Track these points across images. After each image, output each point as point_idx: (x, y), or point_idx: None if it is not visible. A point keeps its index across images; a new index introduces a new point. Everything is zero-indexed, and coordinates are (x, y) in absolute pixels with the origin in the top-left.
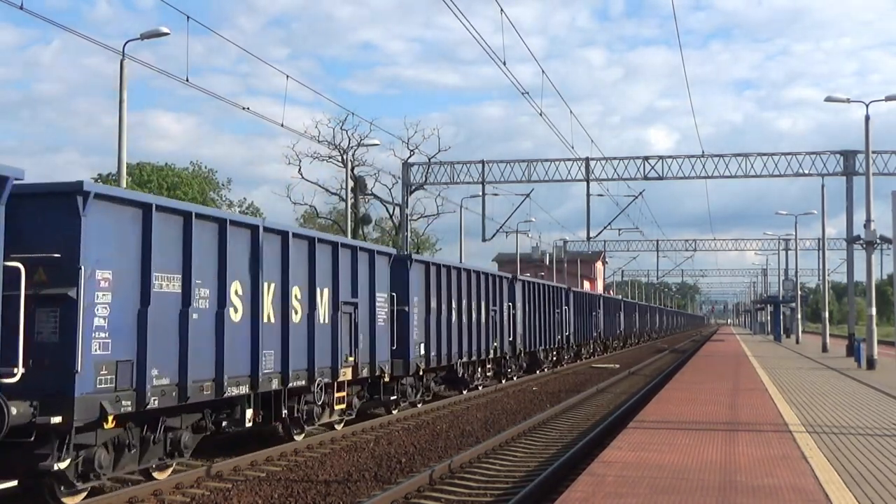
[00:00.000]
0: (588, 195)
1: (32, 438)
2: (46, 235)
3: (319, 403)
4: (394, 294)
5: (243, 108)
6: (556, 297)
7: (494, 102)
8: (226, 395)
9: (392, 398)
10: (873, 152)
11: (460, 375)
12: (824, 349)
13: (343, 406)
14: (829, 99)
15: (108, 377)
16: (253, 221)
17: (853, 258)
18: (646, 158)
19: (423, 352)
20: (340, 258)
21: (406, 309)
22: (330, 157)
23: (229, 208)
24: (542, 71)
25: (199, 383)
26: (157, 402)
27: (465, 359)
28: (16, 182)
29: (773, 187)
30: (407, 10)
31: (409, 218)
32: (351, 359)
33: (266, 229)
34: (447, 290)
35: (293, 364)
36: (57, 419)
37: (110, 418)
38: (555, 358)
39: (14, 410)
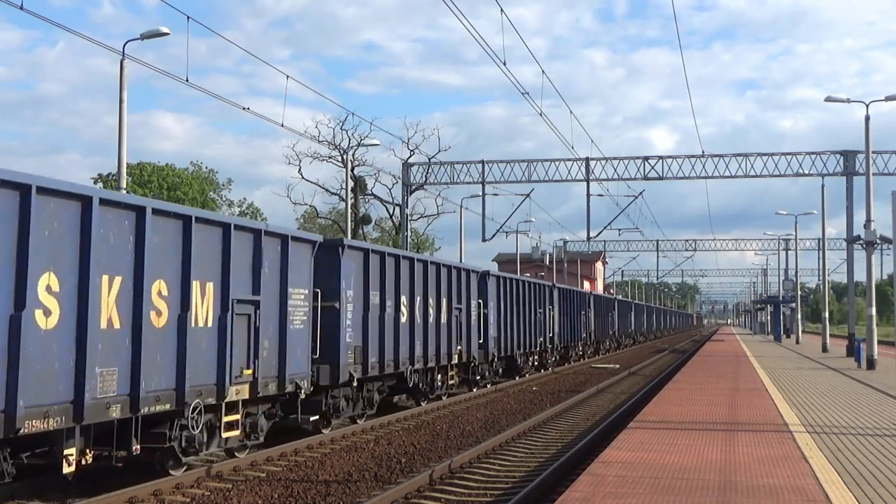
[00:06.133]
0: (588, 195)
1: None
2: None
3: (199, 430)
4: (318, 290)
5: (243, 109)
6: (538, 295)
7: (496, 103)
8: (22, 431)
9: (313, 418)
10: (873, 152)
11: (412, 384)
12: (824, 349)
13: (236, 432)
14: (829, 99)
15: None
16: (82, 191)
17: (853, 258)
18: (646, 158)
19: (359, 358)
20: (235, 245)
21: (336, 306)
22: (330, 157)
23: (229, 208)
24: (543, 71)
25: None
26: None
27: (418, 365)
28: None
29: (774, 187)
30: (410, 10)
31: (409, 218)
32: (248, 372)
33: (105, 202)
34: (395, 285)
35: (148, 383)
36: None
37: None
38: (536, 362)
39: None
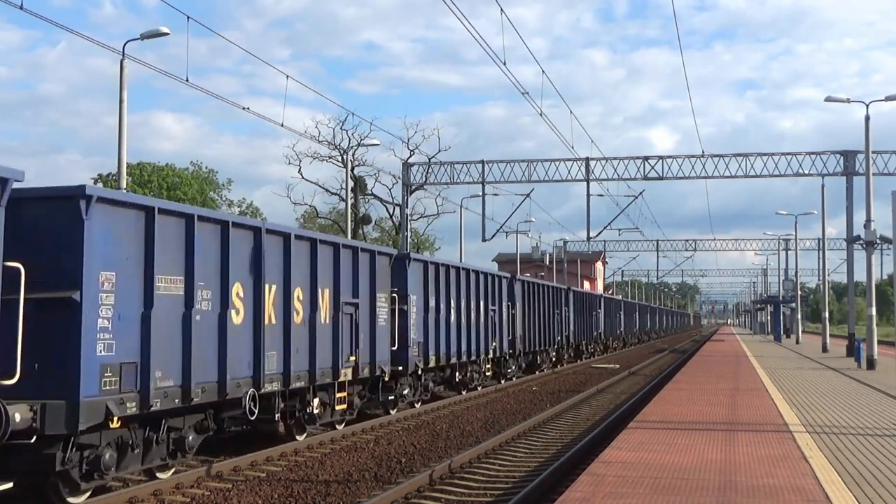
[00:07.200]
0: (588, 195)
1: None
2: None
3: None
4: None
5: (243, 108)
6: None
7: (496, 103)
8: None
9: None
10: (873, 152)
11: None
12: (824, 349)
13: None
14: (828, 99)
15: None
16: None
17: (853, 258)
18: (646, 158)
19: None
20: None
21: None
22: (330, 157)
23: (229, 208)
24: (543, 71)
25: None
26: None
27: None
28: None
29: (774, 187)
30: (410, 10)
31: (409, 218)
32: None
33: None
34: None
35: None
36: None
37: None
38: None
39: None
